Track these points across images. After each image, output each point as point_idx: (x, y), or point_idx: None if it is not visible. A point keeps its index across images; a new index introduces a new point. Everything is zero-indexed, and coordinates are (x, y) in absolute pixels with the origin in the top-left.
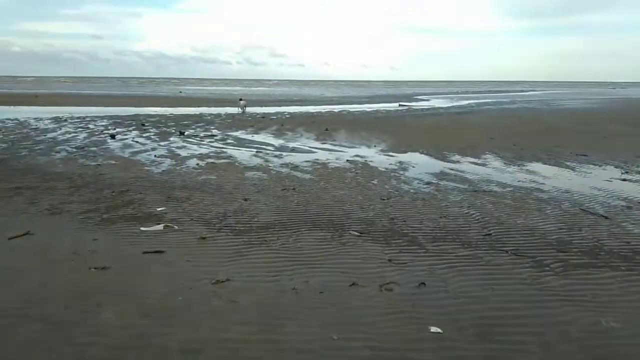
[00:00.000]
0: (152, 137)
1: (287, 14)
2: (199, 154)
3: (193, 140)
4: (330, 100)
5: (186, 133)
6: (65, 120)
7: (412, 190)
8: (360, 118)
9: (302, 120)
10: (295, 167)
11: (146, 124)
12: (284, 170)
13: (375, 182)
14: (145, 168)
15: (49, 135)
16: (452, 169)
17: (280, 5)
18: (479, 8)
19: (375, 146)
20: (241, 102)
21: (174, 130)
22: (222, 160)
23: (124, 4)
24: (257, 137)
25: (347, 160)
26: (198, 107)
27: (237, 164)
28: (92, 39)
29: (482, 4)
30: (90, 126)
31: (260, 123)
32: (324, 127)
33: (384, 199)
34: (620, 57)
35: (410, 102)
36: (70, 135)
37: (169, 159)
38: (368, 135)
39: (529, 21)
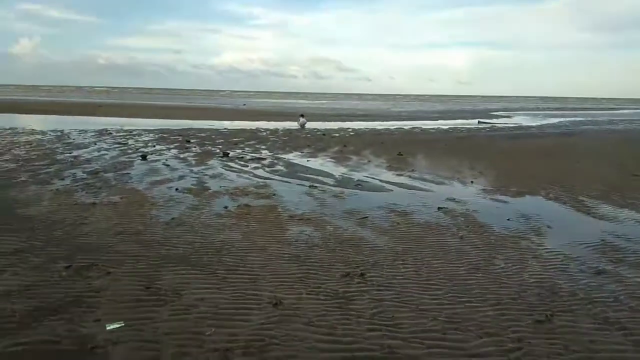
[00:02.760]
0: (190, 158)
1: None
2: (235, 187)
3: (235, 166)
4: (398, 115)
5: (230, 154)
6: (109, 134)
7: (582, 295)
8: (438, 138)
9: (368, 140)
10: (362, 221)
11: (192, 140)
12: (346, 225)
13: (499, 261)
14: (153, 212)
15: (75, 152)
16: (619, 236)
17: (348, 19)
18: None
19: (472, 182)
20: (301, 118)
21: (218, 150)
22: (261, 202)
23: (204, 20)
24: (314, 163)
25: (440, 209)
26: (257, 120)
27: (279, 208)
28: (173, 53)
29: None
30: (130, 142)
31: (320, 142)
32: (396, 150)
33: (541, 320)
34: None
35: (490, 119)
36: (98, 154)
37: (191, 196)
38: (457, 164)
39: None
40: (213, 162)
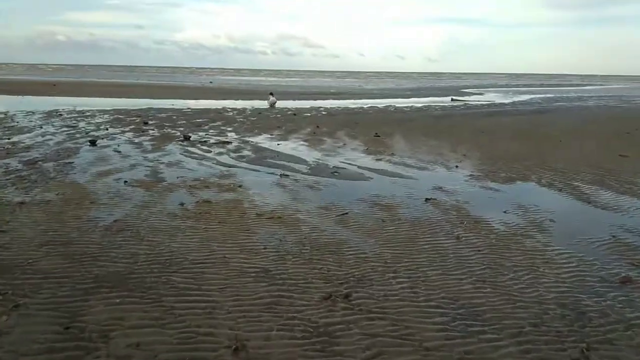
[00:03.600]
0: (146, 143)
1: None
2: (194, 178)
3: (196, 152)
4: (370, 93)
5: (192, 138)
6: (60, 116)
7: (614, 316)
8: (414, 117)
9: (342, 120)
10: (343, 219)
11: (150, 122)
12: (324, 225)
13: (507, 269)
14: (92, 214)
15: (15, 138)
16: (630, 230)
17: None
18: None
19: (456, 167)
20: (271, 97)
21: (179, 134)
22: (224, 196)
23: None
24: (285, 147)
25: (427, 200)
26: (223, 99)
27: (245, 204)
28: (134, 28)
29: None
30: (81, 124)
31: (291, 123)
32: (372, 131)
33: (577, 358)
34: None
35: (462, 96)
36: (41, 139)
37: (142, 191)
38: (437, 145)
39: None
40: (172, 147)
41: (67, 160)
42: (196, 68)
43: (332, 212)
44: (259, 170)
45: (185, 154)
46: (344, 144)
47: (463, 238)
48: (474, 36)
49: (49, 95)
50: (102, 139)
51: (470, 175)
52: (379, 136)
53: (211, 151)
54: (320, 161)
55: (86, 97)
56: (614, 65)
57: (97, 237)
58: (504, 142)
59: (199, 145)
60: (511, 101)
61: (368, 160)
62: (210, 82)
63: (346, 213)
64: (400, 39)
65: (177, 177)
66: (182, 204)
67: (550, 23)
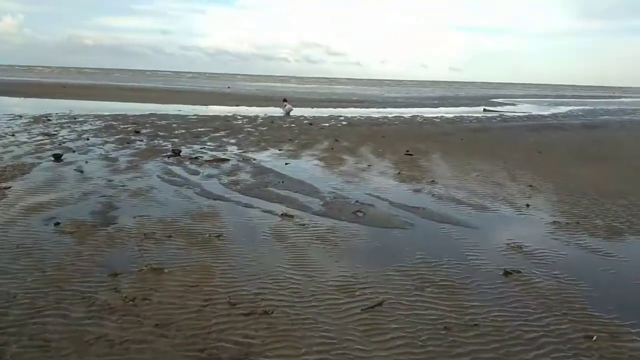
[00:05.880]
0: (123, 158)
1: (344, 12)
2: (158, 219)
3: (180, 173)
4: (394, 101)
5: (183, 152)
6: (48, 121)
7: None
8: (448, 130)
9: (365, 132)
10: (374, 317)
11: (144, 130)
12: (342, 326)
13: None
14: None
15: None
16: None
17: (336, 2)
18: (546, 9)
19: (527, 205)
20: (287, 104)
21: (169, 146)
22: (189, 257)
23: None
24: (294, 168)
25: (508, 275)
26: (236, 105)
27: (216, 277)
28: (160, 33)
29: (550, 4)
30: (63, 132)
31: (305, 135)
32: (402, 147)
33: None
34: None
35: (494, 106)
36: (1, 151)
37: (69, 243)
38: (489, 170)
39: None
40: (152, 165)
41: (3, 185)
42: (219, 73)
43: (355, 298)
44: (253, 206)
45: (165, 176)
46: (369, 165)
47: None
48: (499, 45)
49: (53, 98)
50: (74, 152)
51: (554, 222)
52: (411, 154)
53: (199, 172)
54: (339, 192)
55: (92, 100)
56: (630, 76)
57: None
58: (571, 166)
59: (188, 163)
60: (550, 113)
61: (403, 192)
62: (228, 87)
63: (380, 304)
64: (423, 47)
65: (135, 217)
66: (114, 275)
67: (578, 33)
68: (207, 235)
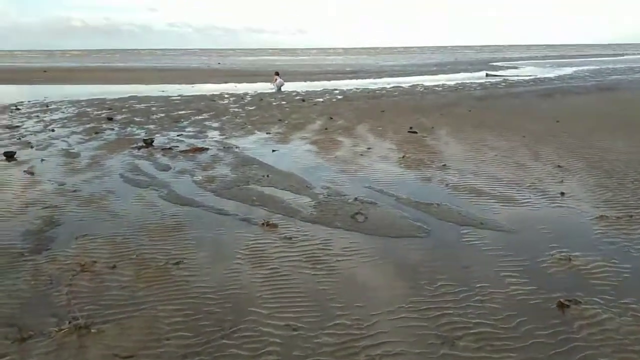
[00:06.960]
0: (86, 153)
1: None
2: (105, 239)
3: (147, 169)
4: (391, 70)
5: (155, 142)
6: (16, 110)
7: None
8: (452, 100)
9: (362, 107)
10: None
11: (118, 117)
12: None
13: None
14: None
15: None
16: None
17: None
18: None
19: (561, 194)
20: (278, 79)
21: (143, 134)
22: (127, 309)
23: None
24: (282, 156)
25: (562, 308)
26: (225, 82)
27: (159, 351)
28: (147, 11)
29: None
30: (28, 123)
31: (296, 114)
32: (405, 124)
33: None
34: None
35: (496, 70)
36: None
37: None
38: (507, 147)
39: None
40: (117, 160)
41: None
42: (209, 49)
43: None
44: (228, 213)
45: (129, 174)
46: (369, 148)
47: None
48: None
49: (30, 84)
50: (32, 147)
51: (600, 217)
52: (415, 132)
53: (171, 167)
54: (334, 186)
55: (73, 84)
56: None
57: None
58: (598, 137)
59: (160, 155)
60: (556, 75)
61: (410, 183)
62: (219, 64)
63: None
64: (408, 14)
65: (77, 238)
66: (21, 341)
67: None
68: (164, 262)
